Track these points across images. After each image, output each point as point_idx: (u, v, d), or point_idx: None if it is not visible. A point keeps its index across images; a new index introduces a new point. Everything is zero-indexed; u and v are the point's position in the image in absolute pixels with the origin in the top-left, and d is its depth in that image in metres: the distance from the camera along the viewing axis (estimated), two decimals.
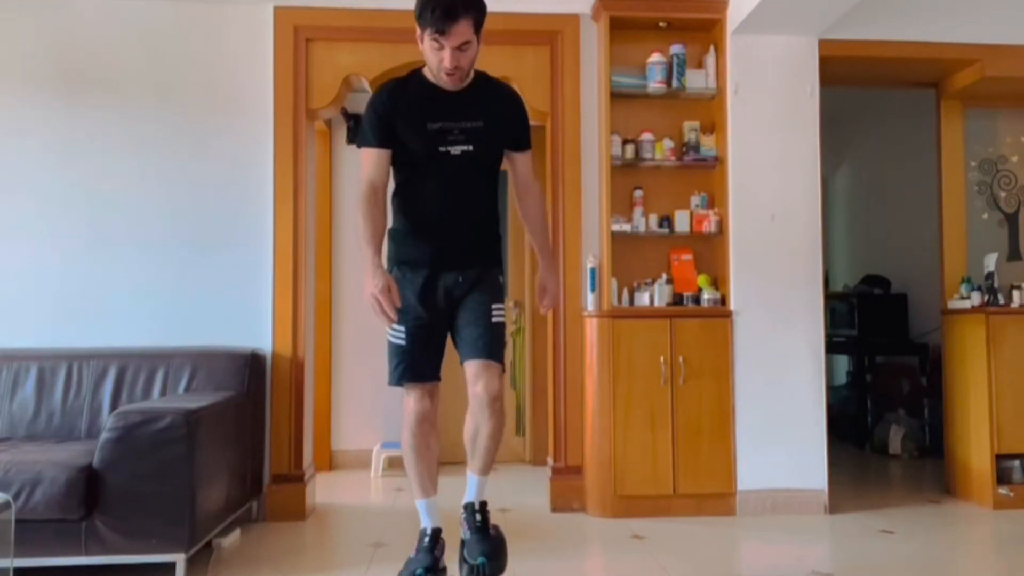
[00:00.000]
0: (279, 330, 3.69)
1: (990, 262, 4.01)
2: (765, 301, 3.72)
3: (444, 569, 2.44)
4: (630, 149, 3.86)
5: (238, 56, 3.77)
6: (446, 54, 2.27)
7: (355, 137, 4.95)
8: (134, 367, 3.41)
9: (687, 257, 3.91)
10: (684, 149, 3.90)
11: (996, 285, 3.96)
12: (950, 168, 4.32)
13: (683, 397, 3.65)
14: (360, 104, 4.89)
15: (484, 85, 2.47)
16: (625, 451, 3.61)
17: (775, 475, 3.68)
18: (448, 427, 4.11)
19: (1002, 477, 3.80)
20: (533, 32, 3.86)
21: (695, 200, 3.91)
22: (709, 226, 3.83)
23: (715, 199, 3.91)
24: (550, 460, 3.88)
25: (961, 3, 3.90)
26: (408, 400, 2.45)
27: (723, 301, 3.78)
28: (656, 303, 3.75)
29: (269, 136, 3.73)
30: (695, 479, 3.64)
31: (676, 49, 3.85)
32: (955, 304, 4.08)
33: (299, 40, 3.75)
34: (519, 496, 4.08)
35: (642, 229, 3.84)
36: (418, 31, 2.30)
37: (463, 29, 2.24)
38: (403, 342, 2.42)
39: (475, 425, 2.39)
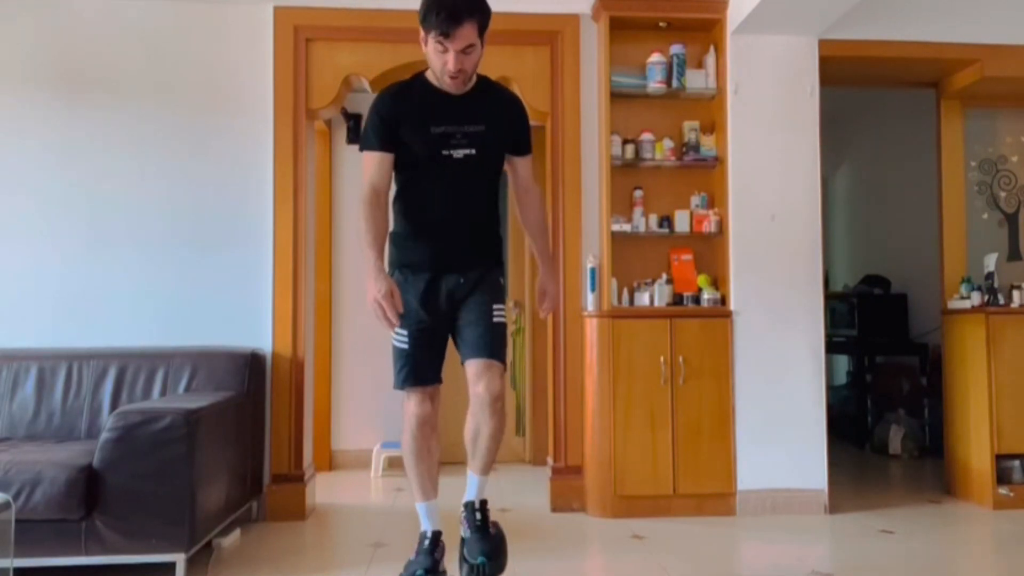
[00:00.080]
0: (279, 330, 3.69)
1: (990, 262, 4.01)
2: (765, 301, 3.72)
3: (444, 572, 2.43)
4: (630, 149, 3.86)
5: (238, 56, 3.77)
6: (450, 57, 2.27)
7: (355, 137, 4.96)
8: (134, 367, 3.41)
9: (687, 257, 3.91)
10: (684, 149, 3.90)
11: (996, 285, 3.96)
12: (950, 168, 4.32)
13: (683, 397, 3.65)
14: (360, 104, 4.91)
15: (486, 89, 2.48)
16: (625, 451, 3.61)
17: (775, 475, 3.68)
18: (448, 427, 4.10)
19: (1002, 477, 3.80)
20: (533, 32, 3.85)
21: (695, 200, 3.91)
22: (709, 226, 3.83)
23: (715, 199, 3.91)
24: (550, 460, 3.88)
25: (961, 3, 3.90)
26: (409, 403, 2.45)
27: (723, 301, 3.78)
28: (656, 303, 3.75)
29: (269, 136, 3.74)
30: (695, 479, 3.64)
31: (676, 49, 3.85)
32: (955, 304, 4.08)
33: (299, 40, 3.75)
34: (519, 496, 4.08)
35: (642, 229, 3.84)
36: (422, 33, 2.31)
37: (467, 32, 2.25)
38: (406, 346, 2.42)
39: (476, 425, 2.39)
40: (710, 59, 3.87)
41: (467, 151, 2.39)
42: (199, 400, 3.00)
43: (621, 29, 3.83)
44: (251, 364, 3.50)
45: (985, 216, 4.43)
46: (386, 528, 3.47)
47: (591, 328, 3.71)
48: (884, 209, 6.04)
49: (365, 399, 4.95)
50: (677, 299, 3.81)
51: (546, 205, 3.76)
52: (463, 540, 2.45)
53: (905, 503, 3.94)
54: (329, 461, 4.89)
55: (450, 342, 2.51)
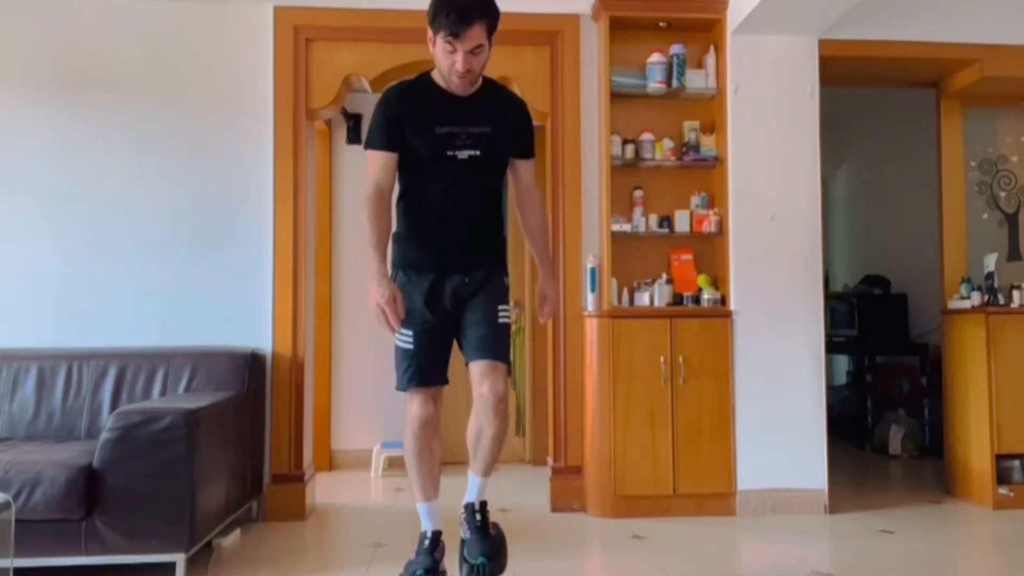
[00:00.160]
0: (279, 330, 3.69)
1: (990, 262, 4.01)
2: (765, 301, 3.72)
3: (444, 572, 2.44)
4: (630, 149, 3.86)
5: (238, 56, 3.77)
6: (459, 57, 2.27)
7: (355, 137, 4.97)
8: (134, 367, 3.41)
9: (687, 257, 3.91)
10: (684, 149, 3.90)
11: (996, 285, 3.96)
12: (950, 168, 4.32)
13: (683, 397, 3.65)
14: (360, 104, 4.92)
15: (492, 91, 2.48)
16: (625, 451, 3.61)
17: (775, 475, 3.68)
18: (449, 427, 4.10)
19: (1002, 477, 3.80)
20: (533, 32, 3.85)
21: (695, 200, 3.91)
22: (709, 226, 3.83)
23: (715, 199, 3.91)
24: (550, 460, 3.88)
25: (961, 3, 3.90)
26: (412, 404, 2.44)
27: (723, 301, 3.78)
28: (656, 303, 3.75)
29: (269, 136, 3.73)
30: (695, 479, 3.64)
31: (676, 49, 3.85)
32: (955, 304, 4.08)
33: (299, 40, 3.75)
34: (519, 496, 4.08)
35: (642, 229, 3.84)
36: (430, 33, 2.31)
37: (477, 33, 2.26)
38: (411, 346, 2.41)
39: (479, 426, 2.39)
40: (710, 59, 3.87)
41: (472, 152, 2.39)
42: (199, 400, 3.00)
43: (621, 29, 3.83)
44: (251, 364, 3.49)
45: (985, 216, 4.43)
46: (386, 528, 3.47)
47: (591, 328, 3.71)
48: (884, 209, 6.04)
49: (365, 399, 4.95)
50: (677, 299, 3.81)
51: (546, 208, 3.76)
52: (463, 541, 2.45)
53: (905, 503, 3.94)
54: (329, 461, 4.89)
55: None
